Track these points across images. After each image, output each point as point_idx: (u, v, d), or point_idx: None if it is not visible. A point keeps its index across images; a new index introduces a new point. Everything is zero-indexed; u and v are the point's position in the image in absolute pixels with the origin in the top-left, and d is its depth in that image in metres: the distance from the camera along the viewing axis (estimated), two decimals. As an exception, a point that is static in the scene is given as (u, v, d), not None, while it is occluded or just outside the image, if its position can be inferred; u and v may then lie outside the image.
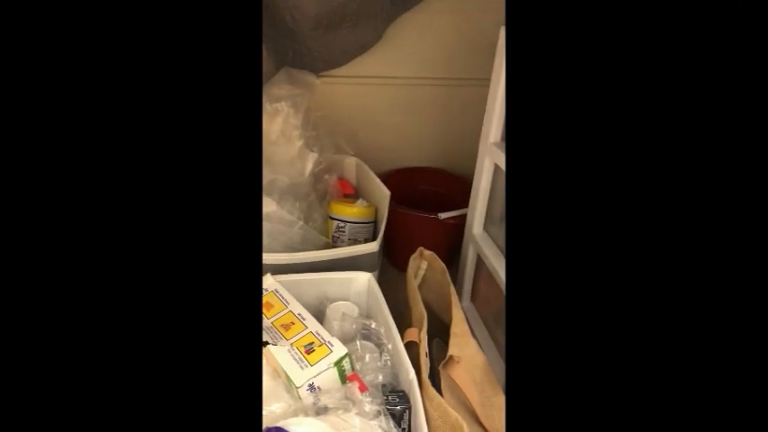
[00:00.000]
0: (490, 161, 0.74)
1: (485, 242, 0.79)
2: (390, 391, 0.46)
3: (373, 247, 0.67)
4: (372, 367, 0.47)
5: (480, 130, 0.73)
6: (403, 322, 0.59)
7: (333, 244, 0.81)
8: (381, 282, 0.62)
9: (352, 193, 0.90)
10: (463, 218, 0.83)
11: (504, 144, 0.71)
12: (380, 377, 0.45)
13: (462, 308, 0.88)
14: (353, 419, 0.38)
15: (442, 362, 0.56)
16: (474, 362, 0.62)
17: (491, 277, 0.74)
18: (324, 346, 0.45)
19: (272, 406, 0.41)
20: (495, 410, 0.62)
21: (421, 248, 0.64)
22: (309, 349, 0.45)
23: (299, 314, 0.51)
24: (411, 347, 0.51)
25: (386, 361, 0.47)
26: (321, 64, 0.84)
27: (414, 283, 0.60)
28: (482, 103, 0.68)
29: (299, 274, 0.59)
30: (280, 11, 0.72)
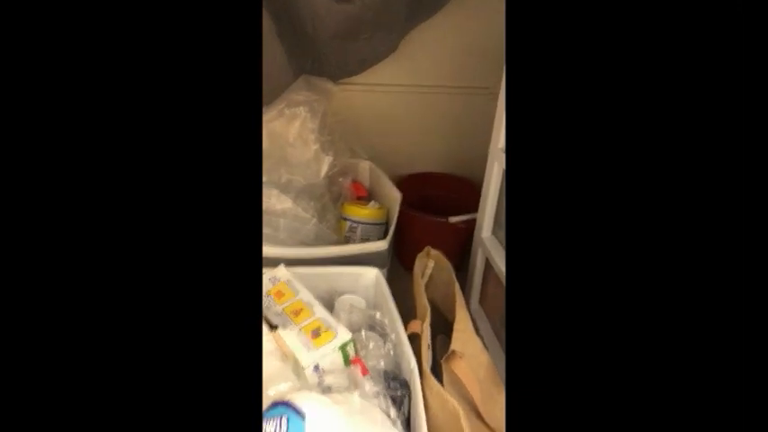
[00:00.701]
0: (499, 166, 0.76)
1: (493, 246, 0.80)
2: (392, 379, 0.48)
3: (382, 245, 0.69)
4: (376, 354, 0.49)
5: (490, 136, 0.75)
6: (408, 317, 0.61)
7: (345, 244, 0.84)
8: (390, 281, 0.65)
9: (365, 196, 0.93)
10: (473, 222, 0.85)
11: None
12: (382, 363, 0.47)
13: (470, 309, 0.90)
14: (354, 398, 0.40)
15: (445, 356, 0.58)
16: (477, 358, 0.63)
17: (498, 280, 0.75)
18: (330, 331, 0.48)
19: (280, 385, 0.44)
20: (497, 407, 0.63)
21: (428, 247, 0.67)
22: (316, 334, 0.48)
23: (308, 302, 0.54)
24: (414, 339, 0.54)
25: (389, 350, 0.50)
26: (339, 72, 0.88)
27: (420, 278, 0.62)
28: (492, 111, 0.70)
29: (310, 267, 0.62)
30: (301, 20, 0.76)
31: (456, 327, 0.59)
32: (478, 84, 0.92)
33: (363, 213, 0.85)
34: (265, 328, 0.50)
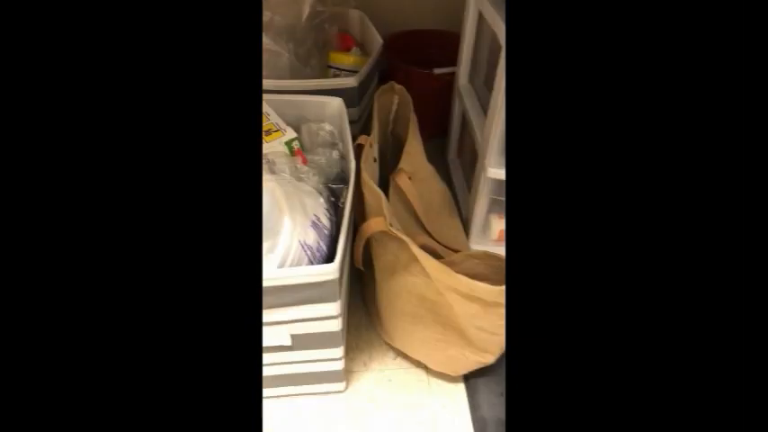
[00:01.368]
0: (475, 9, 0.75)
1: (468, 94, 0.82)
2: (335, 178, 0.56)
3: (353, 82, 0.73)
4: (327, 158, 0.57)
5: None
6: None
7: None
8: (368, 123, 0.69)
9: (353, 47, 0.94)
10: (455, 73, 0.86)
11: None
12: (324, 159, 0.55)
13: (448, 159, 0.95)
14: (287, 176, 0.48)
15: (392, 173, 0.65)
16: (426, 181, 0.70)
17: (472, 130, 0.79)
18: (279, 131, 0.55)
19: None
20: (445, 228, 0.71)
21: (392, 82, 0.70)
22: (267, 133, 0.55)
23: (276, 123, 0.61)
24: (360, 150, 0.60)
25: (336, 154, 0.57)
26: None
27: (377, 103, 0.67)
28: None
29: (280, 95, 0.68)
30: None
31: (406, 149, 0.65)
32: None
33: (347, 61, 0.87)
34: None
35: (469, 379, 0.62)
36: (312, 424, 0.58)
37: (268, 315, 0.45)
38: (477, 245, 0.76)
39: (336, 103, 0.68)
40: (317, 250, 0.46)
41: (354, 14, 0.94)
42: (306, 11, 0.80)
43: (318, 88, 0.72)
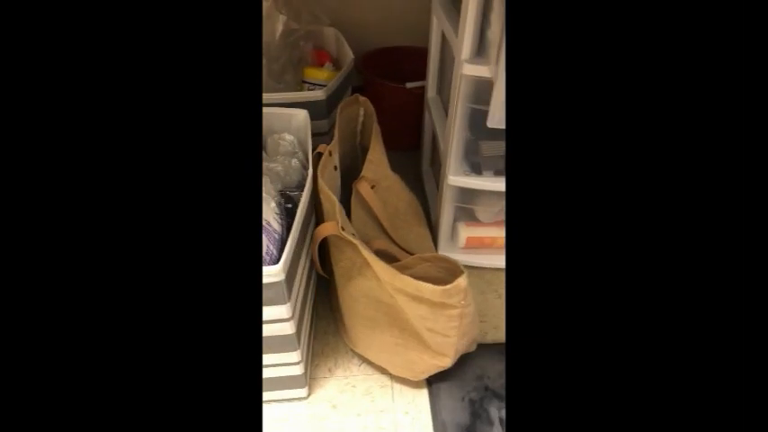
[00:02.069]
0: (438, 26, 0.78)
1: (435, 105, 0.85)
2: (295, 186, 0.58)
3: (321, 95, 0.76)
4: (285, 166, 0.59)
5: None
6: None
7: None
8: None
9: (328, 62, 0.97)
10: (426, 86, 0.88)
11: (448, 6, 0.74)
12: (280, 167, 0.57)
13: (422, 170, 0.97)
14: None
15: (355, 181, 0.66)
16: (390, 189, 0.71)
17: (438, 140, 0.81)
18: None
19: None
20: (412, 235, 0.72)
21: (357, 95, 0.73)
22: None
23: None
24: (319, 159, 0.62)
25: (296, 163, 0.59)
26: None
27: (341, 115, 0.69)
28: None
29: (249, 108, 0.71)
30: None
31: (368, 158, 0.67)
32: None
33: (321, 76, 0.90)
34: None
35: (432, 384, 0.63)
36: (274, 431, 0.58)
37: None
38: (445, 252, 0.77)
39: (302, 115, 0.70)
40: (267, 254, 0.47)
41: (329, 32, 0.98)
42: (279, 29, 0.83)
43: (287, 101, 0.74)
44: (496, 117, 0.53)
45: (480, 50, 0.57)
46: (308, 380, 0.61)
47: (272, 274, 0.44)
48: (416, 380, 0.61)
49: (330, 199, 0.54)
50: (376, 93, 0.96)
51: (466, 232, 0.76)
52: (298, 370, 0.56)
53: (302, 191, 0.57)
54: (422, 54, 1.06)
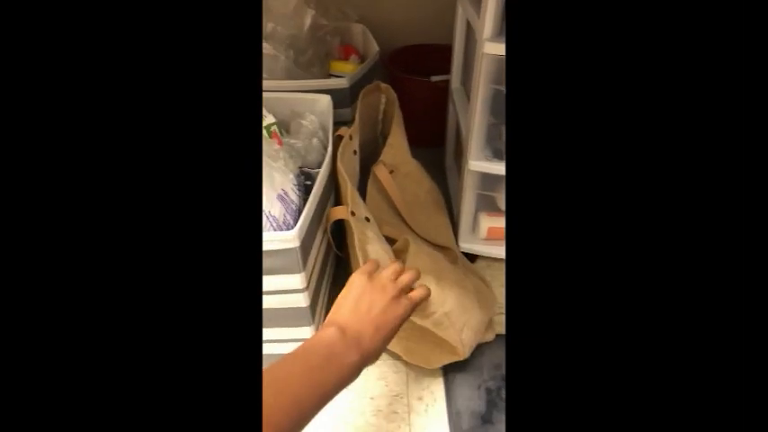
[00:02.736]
0: (462, 17, 0.78)
1: (459, 96, 0.84)
2: (314, 164, 0.59)
3: (345, 83, 0.77)
4: (306, 144, 0.60)
5: None
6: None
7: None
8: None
9: (354, 55, 0.99)
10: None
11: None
12: (300, 144, 0.58)
13: (446, 164, 0.96)
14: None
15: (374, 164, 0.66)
16: (410, 175, 0.71)
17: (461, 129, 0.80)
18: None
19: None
20: (431, 224, 0.72)
21: (378, 81, 0.73)
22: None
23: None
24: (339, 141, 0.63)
25: (316, 142, 0.60)
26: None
27: (362, 102, 0.70)
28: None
29: (273, 93, 0.72)
30: None
31: (388, 142, 0.67)
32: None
33: (347, 69, 0.92)
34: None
35: (448, 372, 0.61)
36: (285, 408, 0.58)
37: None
38: (466, 243, 0.75)
39: (326, 101, 0.71)
40: (284, 222, 0.48)
41: (357, 28, 0.99)
42: (307, 22, 0.86)
43: (312, 88, 0.76)
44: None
45: (503, 29, 0.56)
46: (323, 361, 0.60)
47: (287, 239, 0.44)
48: (431, 368, 0.60)
49: (344, 181, 0.55)
50: (401, 88, 0.96)
51: (487, 222, 0.74)
52: (311, 348, 0.56)
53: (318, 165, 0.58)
54: (447, 52, 1.06)
